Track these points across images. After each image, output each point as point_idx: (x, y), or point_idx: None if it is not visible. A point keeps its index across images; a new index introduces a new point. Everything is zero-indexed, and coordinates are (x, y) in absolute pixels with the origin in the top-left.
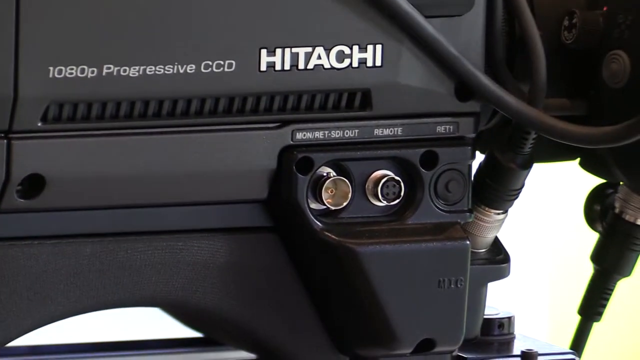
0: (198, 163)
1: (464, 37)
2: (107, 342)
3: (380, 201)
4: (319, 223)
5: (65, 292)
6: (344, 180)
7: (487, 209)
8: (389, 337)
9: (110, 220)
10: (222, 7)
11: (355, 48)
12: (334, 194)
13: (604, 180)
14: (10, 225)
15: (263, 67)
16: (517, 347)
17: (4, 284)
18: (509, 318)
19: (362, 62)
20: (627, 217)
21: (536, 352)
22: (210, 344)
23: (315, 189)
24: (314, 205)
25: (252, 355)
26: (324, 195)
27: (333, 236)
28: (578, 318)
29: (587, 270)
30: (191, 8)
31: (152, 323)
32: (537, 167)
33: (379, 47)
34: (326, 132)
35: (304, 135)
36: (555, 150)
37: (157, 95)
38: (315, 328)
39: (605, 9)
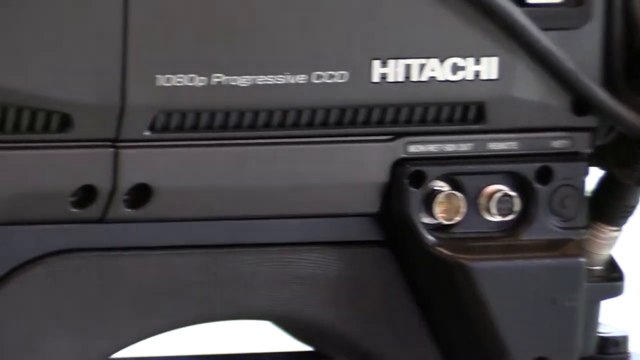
0: (308, 175)
1: (581, 51)
2: (215, 354)
3: (494, 216)
4: (430, 238)
5: (172, 303)
6: (458, 195)
7: (602, 225)
8: (501, 354)
9: (219, 231)
10: (335, 17)
11: (470, 60)
12: (447, 208)
13: None
14: (117, 235)
15: (376, 79)
16: None
17: (109, 294)
18: (624, 337)
19: (477, 74)
20: None
21: None
22: (320, 357)
23: (428, 203)
24: (426, 220)
25: None
26: (437, 209)
27: (445, 251)
28: None
29: None
30: (303, 18)
31: (260, 336)
32: None
33: (494, 60)
34: (439, 145)
35: (417, 148)
36: None
37: (267, 106)
38: (425, 343)
39: None
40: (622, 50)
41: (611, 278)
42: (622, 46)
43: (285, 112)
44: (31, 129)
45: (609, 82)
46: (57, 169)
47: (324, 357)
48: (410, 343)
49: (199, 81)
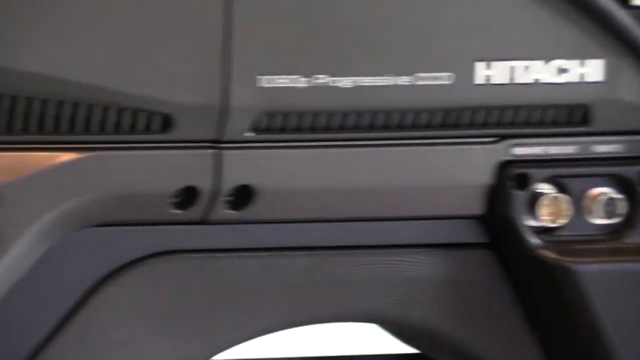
0: (412, 177)
1: None
2: (319, 356)
3: (598, 219)
4: (534, 240)
5: (274, 305)
6: (563, 197)
7: None
8: (605, 357)
9: (322, 233)
10: (439, 19)
11: (575, 62)
12: (551, 211)
13: None
14: (219, 237)
15: (480, 80)
16: None
17: (211, 295)
18: None
19: (582, 76)
20: None
21: None
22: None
23: (532, 206)
24: (530, 222)
25: None
26: (541, 212)
27: (549, 254)
28: None
29: None
30: (407, 20)
31: (365, 338)
32: None
33: (600, 62)
34: (544, 147)
35: (521, 150)
36: None
37: (370, 107)
38: (529, 346)
39: None
40: None
41: None
42: None
43: (388, 114)
44: (132, 129)
45: None
46: (159, 170)
47: None
48: (514, 345)
49: (302, 82)
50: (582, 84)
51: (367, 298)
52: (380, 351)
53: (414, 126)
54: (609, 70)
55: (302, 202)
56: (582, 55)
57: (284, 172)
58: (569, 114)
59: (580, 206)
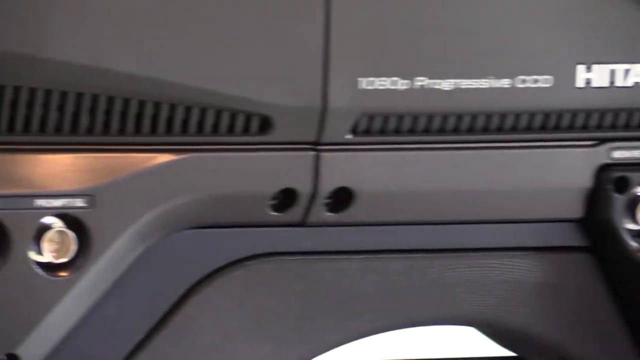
0: (511, 179)
1: None
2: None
3: None
4: (634, 244)
5: (373, 308)
6: None
7: None
8: None
9: (421, 236)
10: (539, 22)
11: None
12: None
13: None
14: (317, 239)
15: (580, 84)
16: None
17: (309, 298)
18: None
19: None
20: None
21: None
22: None
23: (632, 209)
24: (630, 226)
25: None
26: None
27: None
28: None
29: None
30: (507, 22)
31: (461, 340)
32: None
33: None
34: None
35: (621, 153)
36: None
37: (470, 110)
38: (628, 349)
39: None
40: None
41: None
42: None
43: (488, 116)
44: (230, 131)
45: None
46: (257, 171)
47: None
48: (612, 349)
49: (401, 84)
50: None
51: (465, 301)
52: (477, 354)
53: (514, 129)
54: None
55: (400, 204)
56: None
57: (383, 174)
58: None
59: None
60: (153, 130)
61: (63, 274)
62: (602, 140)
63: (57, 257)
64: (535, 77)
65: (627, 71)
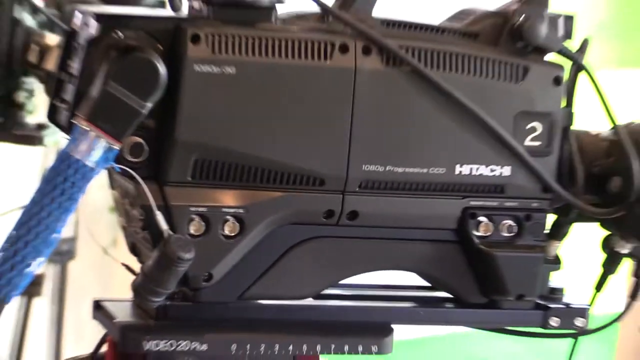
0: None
1: None
2: None
3: None
4: (477, 240)
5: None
6: None
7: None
8: None
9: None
10: (439, 141)
11: None
12: None
13: (608, 232)
14: (345, 231)
15: (457, 172)
16: None
17: (339, 257)
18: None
19: None
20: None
21: None
22: None
23: (477, 226)
24: (476, 232)
25: None
26: None
27: None
28: None
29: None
30: (427, 138)
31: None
32: None
33: None
34: None
35: (474, 202)
36: None
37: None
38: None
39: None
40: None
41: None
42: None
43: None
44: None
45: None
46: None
47: None
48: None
49: (389, 170)
50: None
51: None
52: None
53: (422, 189)
54: None
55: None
56: None
57: None
58: None
59: None
60: (268, 181)
61: (236, 237)
62: (465, 196)
63: (231, 232)
64: (436, 168)
65: (477, 168)
